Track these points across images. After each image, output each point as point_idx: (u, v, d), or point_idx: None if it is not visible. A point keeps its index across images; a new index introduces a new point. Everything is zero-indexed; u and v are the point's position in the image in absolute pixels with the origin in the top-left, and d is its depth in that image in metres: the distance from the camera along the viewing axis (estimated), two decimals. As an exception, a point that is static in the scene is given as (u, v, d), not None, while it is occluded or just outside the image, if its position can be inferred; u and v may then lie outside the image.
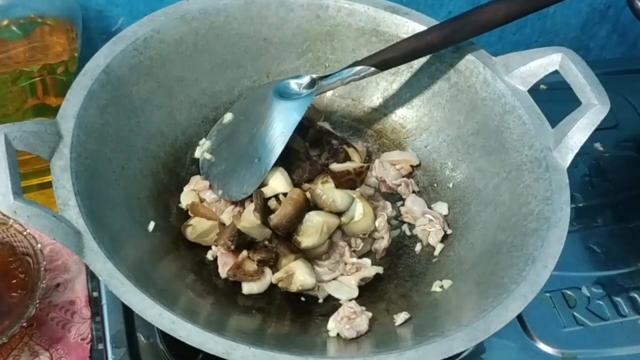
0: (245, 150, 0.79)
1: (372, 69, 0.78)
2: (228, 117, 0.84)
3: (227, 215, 0.78)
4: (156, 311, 0.59)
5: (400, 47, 0.79)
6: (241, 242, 0.74)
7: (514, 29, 1.17)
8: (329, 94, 0.90)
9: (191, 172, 0.83)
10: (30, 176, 0.86)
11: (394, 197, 0.85)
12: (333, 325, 0.70)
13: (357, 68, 0.78)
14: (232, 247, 0.73)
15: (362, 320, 0.70)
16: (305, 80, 0.80)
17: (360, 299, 0.74)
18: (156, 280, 0.66)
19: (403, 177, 0.85)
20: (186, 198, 0.80)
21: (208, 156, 0.82)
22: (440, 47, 0.80)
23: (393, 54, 0.79)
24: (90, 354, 0.80)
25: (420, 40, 0.79)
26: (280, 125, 0.77)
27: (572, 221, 0.70)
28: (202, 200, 0.80)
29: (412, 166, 0.86)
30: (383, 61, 0.79)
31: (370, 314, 0.71)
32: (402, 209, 0.84)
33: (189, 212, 0.78)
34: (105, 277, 0.60)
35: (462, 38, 0.80)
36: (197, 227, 0.76)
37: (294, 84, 0.80)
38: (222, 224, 0.77)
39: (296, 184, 0.78)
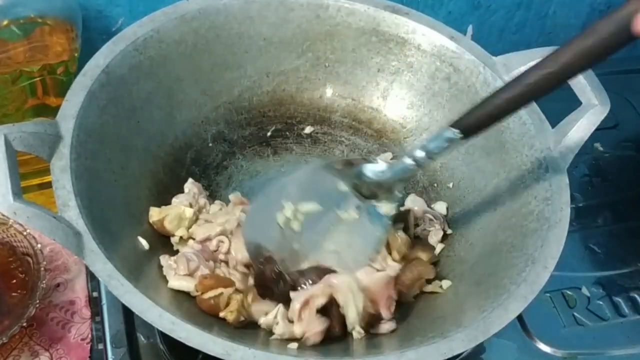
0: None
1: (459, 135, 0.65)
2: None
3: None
4: (156, 312, 0.59)
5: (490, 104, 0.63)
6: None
7: (514, 29, 1.17)
8: (329, 93, 0.90)
9: (191, 172, 0.83)
10: (30, 176, 0.86)
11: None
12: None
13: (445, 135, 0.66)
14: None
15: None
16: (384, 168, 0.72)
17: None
18: (157, 281, 0.66)
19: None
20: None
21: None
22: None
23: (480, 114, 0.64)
24: (90, 354, 0.79)
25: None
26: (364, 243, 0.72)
27: (572, 221, 0.70)
28: (200, 210, 0.77)
29: None
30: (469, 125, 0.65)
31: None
32: (402, 209, 0.84)
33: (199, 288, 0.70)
34: (105, 277, 0.60)
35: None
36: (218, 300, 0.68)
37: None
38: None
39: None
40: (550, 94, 0.59)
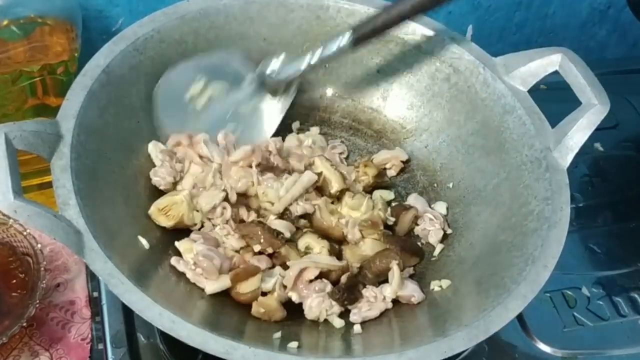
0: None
1: (349, 39, 0.78)
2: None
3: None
4: (156, 310, 0.59)
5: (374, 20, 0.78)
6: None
7: (514, 29, 1.17)
8: (329, 94, 0.90)
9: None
10: (30, 176, 0.86)
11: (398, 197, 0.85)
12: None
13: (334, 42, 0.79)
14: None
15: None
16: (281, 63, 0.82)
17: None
18: (156, 280, 0.66)
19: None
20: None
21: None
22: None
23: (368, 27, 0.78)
24: (90, 354, 0.79)
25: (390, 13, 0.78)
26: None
27: (572, 221, 0.70)
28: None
29: (403, 162, 0.87)
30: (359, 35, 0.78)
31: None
32: (406, 203, 0.83)
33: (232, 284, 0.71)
34: (105, 276, 0.60)
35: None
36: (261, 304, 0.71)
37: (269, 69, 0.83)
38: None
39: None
40: (433, 9, 0.77)
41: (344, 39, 0.78)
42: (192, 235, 0.74)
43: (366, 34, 0.78)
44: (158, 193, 0.77)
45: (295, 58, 0.82)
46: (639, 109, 1.08)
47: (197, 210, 0.75)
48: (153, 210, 0.74)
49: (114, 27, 0.97)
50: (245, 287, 0.70)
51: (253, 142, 0.79)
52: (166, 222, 0.74)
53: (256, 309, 0.69)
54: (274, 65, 0.83)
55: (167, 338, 0.73)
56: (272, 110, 0.86)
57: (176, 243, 0.73)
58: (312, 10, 0.86)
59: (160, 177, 0.76)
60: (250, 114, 0.85)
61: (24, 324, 0.76)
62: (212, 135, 0.80)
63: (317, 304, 0.70)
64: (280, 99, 0.85)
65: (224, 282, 0.70)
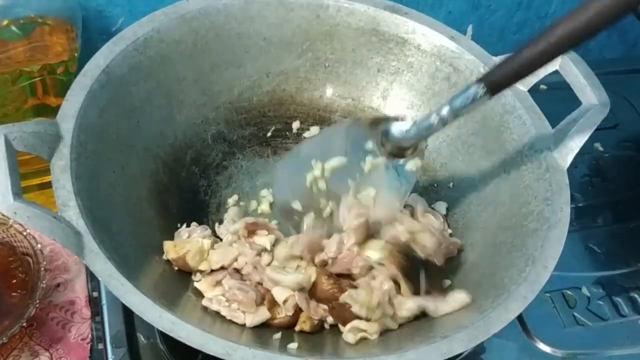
0: None
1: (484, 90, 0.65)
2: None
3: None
4: (156, 312, 0.59)
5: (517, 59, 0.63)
6: None
7: (514, 29, 1.17)
8: (329, 93, 0.90)
9: (191, 172, 0.83)
10: (30, 176, 0.86)
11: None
12: None
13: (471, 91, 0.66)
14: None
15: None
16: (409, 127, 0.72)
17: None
18: (156, 281, 0.66)
19: None
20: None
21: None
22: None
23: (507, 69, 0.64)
24: (90, 354, 0.79)
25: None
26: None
27: (572, 221, 0.70)
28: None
29: None
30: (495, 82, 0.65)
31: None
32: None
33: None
34: (105, 277, 0.60)
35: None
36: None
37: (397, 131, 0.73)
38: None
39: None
40: (576, 47, 0.61)
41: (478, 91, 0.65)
42: (217, 274, 0.72)
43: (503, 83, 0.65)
44: (158, 194, 0.77)
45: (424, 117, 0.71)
46: (639, 109, 1.08)
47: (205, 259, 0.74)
48: (168, 243, 0.73)
49: (114, 27, 0.97)
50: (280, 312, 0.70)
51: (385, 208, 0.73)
52: (174, 254, 0.72)
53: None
54: (401, 126, 0.73)
55: (167, 338, 0.73)
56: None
57: (195, 284, 0.71)
58: (312, 10, 0.86)
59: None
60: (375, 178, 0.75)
61: (24, 324, 0.76)
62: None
63: None
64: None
65: (264, 314, 0.69)
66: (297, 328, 0.70)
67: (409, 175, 0.74)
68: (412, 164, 0.73)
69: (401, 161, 0.73)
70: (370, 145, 0.73)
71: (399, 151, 0.73)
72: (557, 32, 0.60)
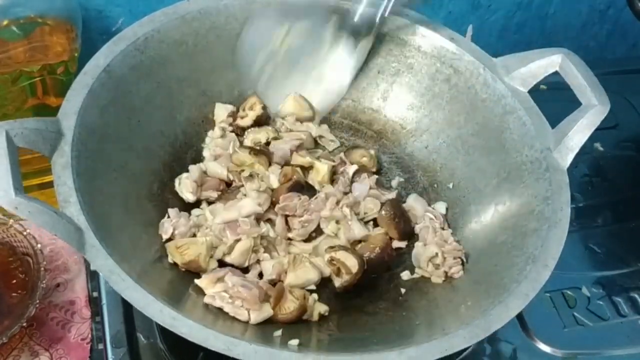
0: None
1: None
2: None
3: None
4: (157, 307, 0.59)
5: None
6: None
7: (514, 29, 1.17)
8: (329, 93, 0.91)
9: (191, 171, 0.83)
10: (30, 176, 0.86)
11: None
12: None
13: None
14: None
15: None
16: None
17: (359, 299, 0.74)
18: (157, 277, 0.66)
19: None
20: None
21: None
22: None
23: None
24: (90, 354, 0.79)
25: None
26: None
27: (572, 221, 0.70)
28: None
29: None
30: None
31: None
32: (404, 206, 0.83)
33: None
34: (106, 273, 0.60)
35: None
36: None
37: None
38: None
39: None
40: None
41: None
42: (218, 271, 0.72)
43: None
44: (158, 192, 0.77)
45: None
46: (639, 109, 1.08)
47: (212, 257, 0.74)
48: (170, 245, 0.72)
49: (114, 27, 0.97)
50: (286, 307, 0.70)
51: (332, 93, 0.87)
52: (180, 259, 0.72)
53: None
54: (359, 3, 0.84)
55: (167, 338, 0.73)
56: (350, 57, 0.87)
57: (196, 281, 0.71)
58: (312, 10, 0.86)
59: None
60: (329, 61, 0.87)
61: (24, 324, 0.76)
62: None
63: None
64: (360, 45, 0.86)
65: (267, 311, 0.69)
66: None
67: (361, 51, 0.86)
68: (365, 42, 0.85)
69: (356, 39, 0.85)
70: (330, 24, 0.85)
71: (354, 30, 0.85)
72: None
